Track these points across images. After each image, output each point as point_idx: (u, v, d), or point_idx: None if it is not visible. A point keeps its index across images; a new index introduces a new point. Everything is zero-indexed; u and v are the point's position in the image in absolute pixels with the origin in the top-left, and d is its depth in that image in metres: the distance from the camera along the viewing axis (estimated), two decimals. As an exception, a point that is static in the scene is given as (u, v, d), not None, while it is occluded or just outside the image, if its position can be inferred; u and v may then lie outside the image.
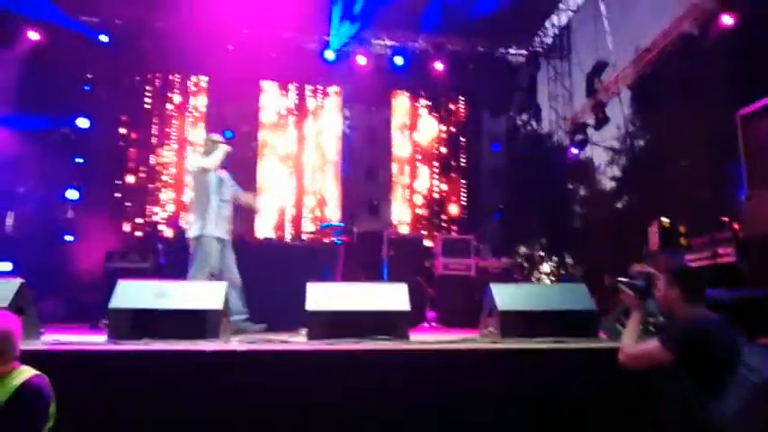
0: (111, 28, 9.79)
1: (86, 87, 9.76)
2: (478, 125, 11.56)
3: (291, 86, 11.22)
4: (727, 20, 7.33)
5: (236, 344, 3.63)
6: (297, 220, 10.81)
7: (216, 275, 4.93)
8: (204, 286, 3.94)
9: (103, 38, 9.69)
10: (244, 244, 7.32)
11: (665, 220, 6.40)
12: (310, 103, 11.29)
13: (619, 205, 9.24)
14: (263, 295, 5.60)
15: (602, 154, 9.95)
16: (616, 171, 9.65)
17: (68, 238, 8.88)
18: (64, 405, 2.34)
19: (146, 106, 10.35)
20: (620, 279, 2.90)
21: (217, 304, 3.77)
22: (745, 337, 2.52)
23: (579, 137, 10.32)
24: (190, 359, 3.25)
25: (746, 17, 7.19)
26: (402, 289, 4.25)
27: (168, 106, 10.61)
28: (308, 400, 3.26)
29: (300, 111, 11.23)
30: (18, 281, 3.57)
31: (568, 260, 8.10)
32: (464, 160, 11.49)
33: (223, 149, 5.22)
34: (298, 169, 11.09)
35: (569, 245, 8.67)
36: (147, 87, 10.39)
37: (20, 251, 7.58)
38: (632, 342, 2.74)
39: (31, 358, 2.38)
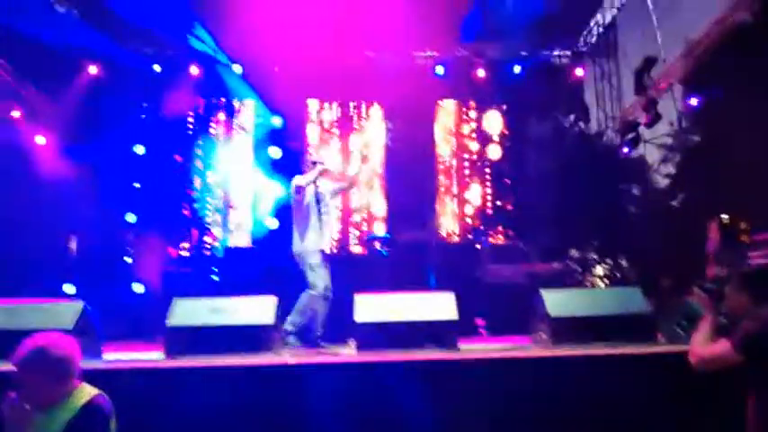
0: (163, 57, 10.27)
1: (143, 115, 10.24)
2: (525, 129, 11.36)
3: (335, 103, 11.41)
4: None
5: (287, 357, 3.69)
6: (344, 236, 10.93)
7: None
8: (255, 301, 4.03)
9: (156, 67, 10.18)
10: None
11: (724, 217, 6.10)
12: (353, 118, 11.42)
13: (675, 203, 8.85)
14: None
15: (654, 152, 9.57)
16: (670, 168, 9.24)
17: (128, 259, 9.28)
18: (124, 420, 2.43)
19: (188, 132, 10.74)
20: (698, 283, 2.92)
21: (268, 319, 3.85)
22: None
23: (630, 135, 9.98)
24: (243, 373, 3.32)
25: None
26: (450, 298, 4.23)
27: (212, 130, 10.99)
28: (360, 410, 3.27)
29: (344, 126, 11.38)
30: (80, 303, 3.76)
31: (623, 262, 7.81)
32: (512, 165, 11.31)
33: (318, 168, 5.58)
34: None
35: (623, 246, 8.38)
36: (192, 113, 10.80)
37: (83, 273, 8.00)
38: (703, 344, 2.72)
39: (93, 377, 2.49)
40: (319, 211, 5.45)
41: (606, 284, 7.20)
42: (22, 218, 7.51)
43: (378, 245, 7.63)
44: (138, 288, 8.32)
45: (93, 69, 9.71)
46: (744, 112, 7.43)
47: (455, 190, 11.45)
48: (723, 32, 8.43)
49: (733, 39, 8.15)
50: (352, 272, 6.40)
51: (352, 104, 11.42)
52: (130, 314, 7.08)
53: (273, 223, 10.12)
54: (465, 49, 10.85)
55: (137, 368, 3.33)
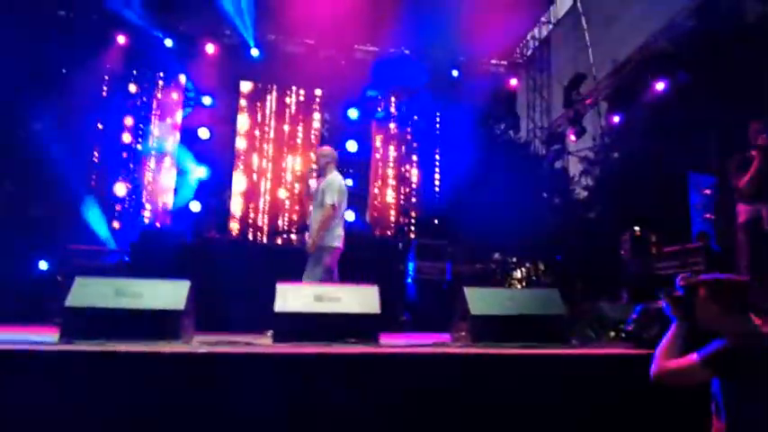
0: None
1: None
2: (460, 131, 11.42)
3: (271, 88, 11.03)
4: (699, 37, 7.38)
5: (196, 346, 3.42)
6: (273, 223, 10.58)
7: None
8: (167, 285, 3.71)
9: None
10: (214, 243, 7.12)
11: (636, 229, 6.38)
12: (290, 105, 11.09)
13: (591, 215, 9.21)
14: (234, 296, 5.40)
15: (577, 164, 9.92)
16: (590, 181, 9.61)
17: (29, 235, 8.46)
18: (13, 405, 2.12)
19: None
20: (667, 291, 2.65)
21: (178, 304, 3.55)
22: None
23: (556, 147, 10.30)
24: (146, 361, 3.03)
25: (719, 34, 7.24)
26: (373, 291, 4.08)
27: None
28: (272, 404, 3.06)
29: (280, 113, 11.03)
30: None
31: (541, 267, 8.04)
32: (442, 165, 11.36)
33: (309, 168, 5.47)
34: (276, 171, 10.86)
35: (542, 252, 8.62)
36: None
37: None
38: (668, 355, 2.47)
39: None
40: (314, 204, 5.30)
41: (523, 287, 7.36)
42: None
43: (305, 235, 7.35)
44: (42, 265, 7.57)
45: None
46: (660, 132, 7.80)
47: (384, 183, 11.34)
48: (646, 57, 8.84)
49: (655, 64, 8.56)
50: (278, 261, 6.10)
51: (288, 91, 11.03)
52: (31, 293, 6.37)
53: (196, 207, 9.59)
54: (406, 48, 10.80)
55: (26, 350, 2.96)
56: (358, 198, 10.46)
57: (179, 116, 10.48)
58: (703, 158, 6.37)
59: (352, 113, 10.84)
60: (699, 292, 2.46)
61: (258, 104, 11.02)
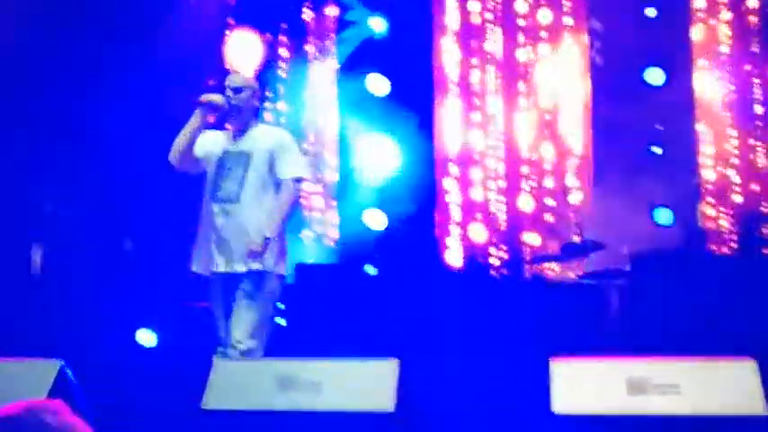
0: None
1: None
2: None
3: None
4: None
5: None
6: (511, 234, 7.98)
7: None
8: (356, 367, 2.88)
9: None
10: (422, 277, 5.82)
11: None
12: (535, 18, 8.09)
13: None
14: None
15: None
16: None
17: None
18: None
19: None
20: None
21: (383, 402, 2.55)
22: None
23: None
24: None
25: None
26: (748, 367, 2.77)
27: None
28: None
29: (509, 32, 8.11)
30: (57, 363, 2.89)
31: None
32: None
33: (197, 112, 3.75)
34: (509, 141, 8.05)
35: None
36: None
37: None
38: None
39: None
40: (214, 197, 3.70)
41: None
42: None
43: (582, 261, 5.23)
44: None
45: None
46: None
47: (721, 153, 7.46)
48: None
49: None
50: (538, 306, 4.54)
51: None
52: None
53: (376, 219, 7.84)
54: None
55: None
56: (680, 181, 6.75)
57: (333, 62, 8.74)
58: None
59: (650, 12, 7.49)
60: None
61: (463, 20, 8.11)
